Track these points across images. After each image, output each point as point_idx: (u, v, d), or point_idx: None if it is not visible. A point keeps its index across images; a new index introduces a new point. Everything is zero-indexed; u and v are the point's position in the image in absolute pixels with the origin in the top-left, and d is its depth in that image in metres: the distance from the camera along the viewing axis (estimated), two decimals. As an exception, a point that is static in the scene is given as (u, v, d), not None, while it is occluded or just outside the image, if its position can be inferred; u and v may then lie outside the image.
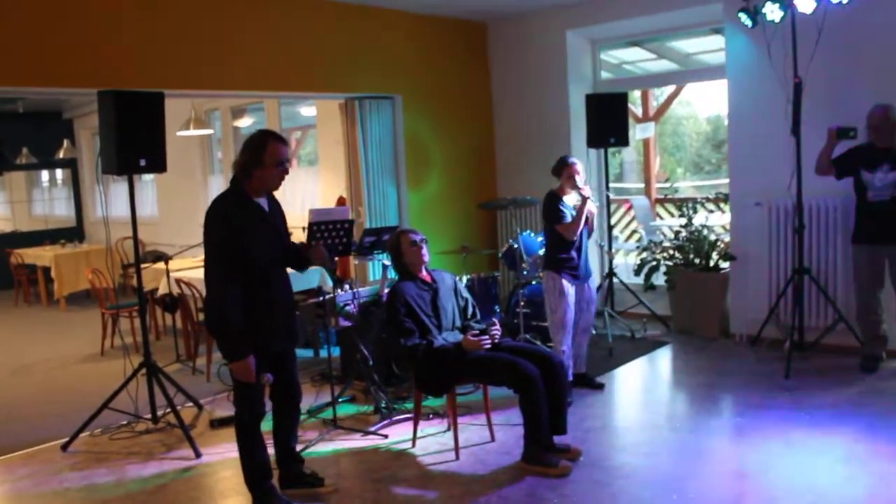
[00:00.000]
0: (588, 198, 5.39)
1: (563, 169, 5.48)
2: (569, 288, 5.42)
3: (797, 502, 3.76)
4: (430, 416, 5.24)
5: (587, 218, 5.44)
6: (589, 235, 5.62)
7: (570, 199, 5.49)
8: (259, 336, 3.78)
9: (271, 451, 4.12)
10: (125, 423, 5.42)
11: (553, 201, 5.45)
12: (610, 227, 7.97)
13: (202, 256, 8.93)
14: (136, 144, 4.91)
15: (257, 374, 3.76)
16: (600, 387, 5.68)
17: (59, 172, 14.18)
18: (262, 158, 3.72)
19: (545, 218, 5.52)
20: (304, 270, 4.30)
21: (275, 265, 3.92)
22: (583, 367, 5.75)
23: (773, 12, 5.80)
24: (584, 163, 5.72)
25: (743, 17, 6.05)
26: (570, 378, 5.50)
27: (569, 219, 5.39)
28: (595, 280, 5.84)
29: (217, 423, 5.38)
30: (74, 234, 12.93)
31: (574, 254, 5.45)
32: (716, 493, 3.95)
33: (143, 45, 5.75)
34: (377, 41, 7.36)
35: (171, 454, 4.91)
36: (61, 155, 11.59)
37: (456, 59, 8.16)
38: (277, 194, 4.01)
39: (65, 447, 5.10)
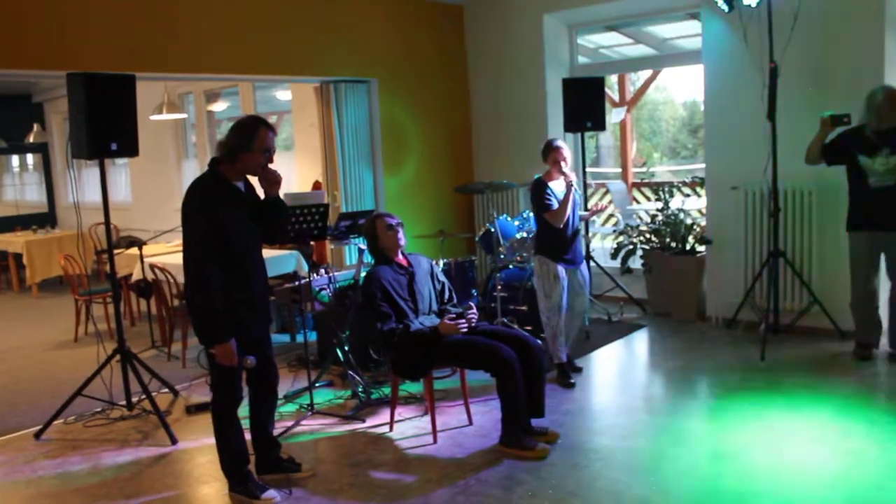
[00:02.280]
0: (572, 184, 5.26)
1: (548, 153, 5.37)
2: (562, 272, 5.40)
3: (772, 482, 3.80)
4: (407, 399, 5.24)
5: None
6: (580, 220, 5.60)
7: (558, 185, 5.37)
8: (237, 321, 3.77)
9: (248, 436, 4.09)
10: (99, 410, 5.36)
11: (539, 188, 5.35)
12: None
13: (177, 242, 8.84)
14: (107, 128, 4.82)
15: (239, 358, 3.74)
16: (578, 370, 5.67)
17: (29, 157, 13.96)
18: (252, 143, 3.73)
19: (533, 205, 5.46)
20: (272, 215, 3.99)
21: (252, 249, 3.91)
22: (568, 351, 5.66)
23: (749, -4, 5.82)
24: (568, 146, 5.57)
25: (719, 1, 6.06)
26: (565, 359, 5.49)
27: (555, 206, 5.30)
28: (586, 264, 5.74)
29: (193, 409, 5.34)
30: (46, 219, 12.75)
31: (564, 239, 5.39)
32: (692, 474, 3.98)
33: (114, 26, 5.66)
34: (353, 24, 7.29)
35: (147, 441, 4.87)
36: (31, 139, 11.41)
37: (432, 42, 8.12)
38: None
39: (38, 435, 5.04)
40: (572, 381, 5.45)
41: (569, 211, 5.30)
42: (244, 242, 3.81)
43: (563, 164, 5.31)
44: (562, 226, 5.31)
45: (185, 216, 3.73)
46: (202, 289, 3.67)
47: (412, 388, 5.38)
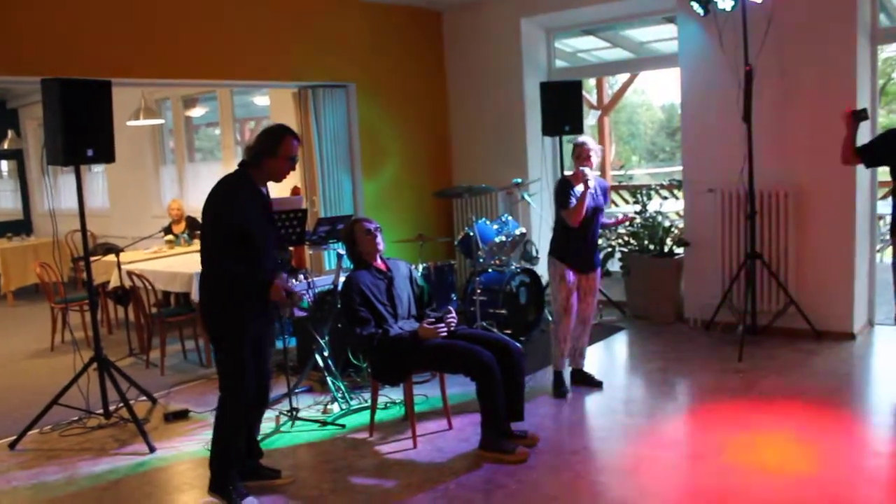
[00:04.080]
0: (588, 186, 5.02)
1: (573, 152, 5.20)
2: (569, 275, 5.22)
3: (750, 481, 3.83)
4: (387, 405, 5.24)
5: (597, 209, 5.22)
6: (602, 227, 5.38)
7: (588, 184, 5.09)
8: (248, 315, 3.87)
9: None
10: (76, 419, 5.30)
11: (563, 186, 5.14)
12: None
13: (155, 248, 8.75)
14: (83, 134, 4.78)
15: (247, 353, 3.91)
16: (599, 385, 5.43)
17: (3, 164, 13.81)
18: (277, 150, 3.88)
19: (554, 202, 5.28)
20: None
21: (266, 249, 3.97)
22: (581, 362, 5.53)
23: (724, 1, 5.86)
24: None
25: (695, 5, 6.10)
26: (563, 368, 5.34)
27: (573, 204, 5.07)
28: (599, 271, 5.48)
29: (171, 417, 5.29)
30: (21, 227, 12.62)
31: (577, 242, 5.20)
32: (672, 475, 4.00)
33: (90, 31, 5.62)
34: (330, 29, 7.28)
35: (124, 449, 4.82)
36: (6, 146, 11.29)
37: (410, 47, 8.12)
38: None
39: (13, 445, 4.97)
40: (566, 390, 5.32)
41: (584, 213, 5.06)
42: (260, 240, 3.89)
43: (587, 162, 5.10)
44: (577, 226, 5.09)
45: (207, 209, 3.86)
46: (224, 272, 3.82)
47: (392, 393, 5.37)
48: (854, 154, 5.18)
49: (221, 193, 3.86)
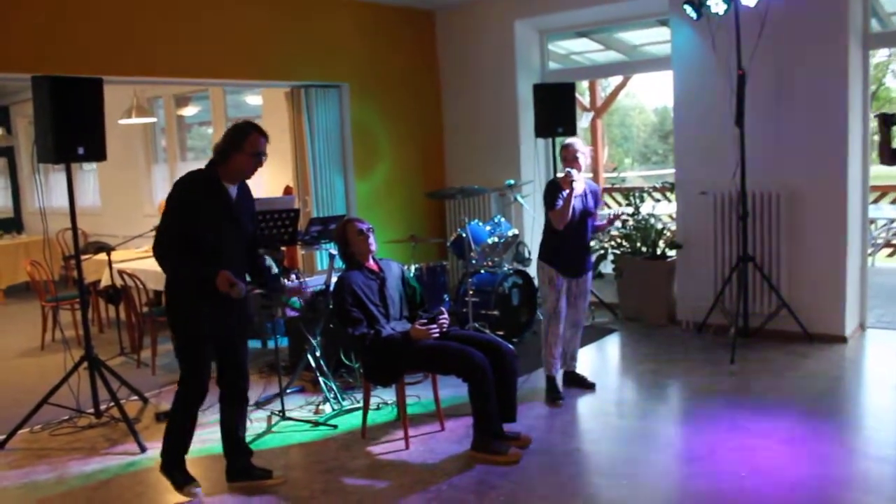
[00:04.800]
0: (572, 187, 4.95)
1: (560, 152, 5.17)
2: (558, 278, 5.16)
3: (742, 484, 3.83)
4: (379, 406, 5.23)
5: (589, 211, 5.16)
6: (595, 230, 5.35)
7: (577, 186, 5.07)
8: (204, 311, 3.86)
9: (220, 441, 4.09)
10: (66, 418, 5.28)
11: (551, 188, 5.08)
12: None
13: (147, 247, 8.72)
14: (74, 132, 4.75)
15: (201, 349, 3.92)
16: (591, 386, 5.43)
17: (-6, 161, 13.74)
18: (243, 145, 3.86)
19: (543, 203, 5.22)
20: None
21: (226, 248, 3.92)
22: (574, 365, 5.51)
23: (717, 5, 5.87)
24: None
25: (688, 9, 6.11)
26: (555, 373, 5.27)
27: (560, 205, 4.99)
28: (590, 275, 5.46)
29: (163, 416, 5.26)
30: (12, 224, 12.57)
31: (565, 245, 5.14)
32: (664, 477, 4.01)
33: (81, 28, 5.60)
34: (324, 29, 7.28)
35: (115, 449, 4.80)
36: (-4, 143, 11.25)
37: (404, 47, 8.11)
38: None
39: (2, 445, 4.94)
40: (560, 398, 5.21)
41: (569, 215, 5.01)
42: (217, 240, 3.86)
43: (574, 163, 5.04)
44: (562, 228, 5.04)
45: (167, 200, 3.88)
46: (169, 264, 3.83)
47: (384, 394, 5.36)
48: (891, 157, 5.19)
49: (180, 185, 3.85)
